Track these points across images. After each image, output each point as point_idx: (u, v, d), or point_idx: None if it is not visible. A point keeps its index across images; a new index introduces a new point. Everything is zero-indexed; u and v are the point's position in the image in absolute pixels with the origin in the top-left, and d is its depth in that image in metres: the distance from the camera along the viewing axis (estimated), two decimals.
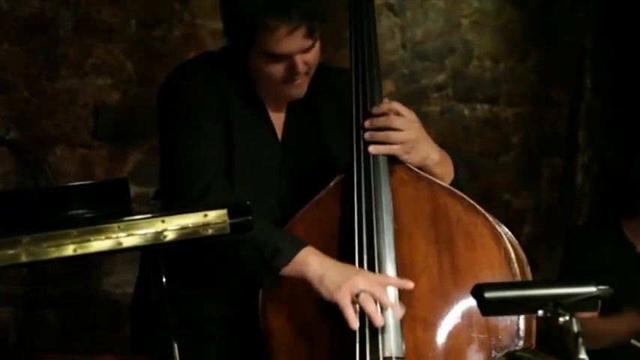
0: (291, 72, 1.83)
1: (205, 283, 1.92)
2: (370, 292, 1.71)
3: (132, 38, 2.98)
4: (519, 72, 3.63)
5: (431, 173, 1.88)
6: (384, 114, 1.84)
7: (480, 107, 3.59)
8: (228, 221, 1.46)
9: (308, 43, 1.80)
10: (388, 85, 3.39)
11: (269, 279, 1.78)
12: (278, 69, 1.83)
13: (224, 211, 1.46)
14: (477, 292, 1.37)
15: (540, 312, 1.34)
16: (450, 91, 3.54)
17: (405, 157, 1.85)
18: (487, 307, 1.38)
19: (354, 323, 1.71)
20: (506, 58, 3.61)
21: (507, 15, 3.60)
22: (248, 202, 1.49)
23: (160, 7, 3.02)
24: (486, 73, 3.58)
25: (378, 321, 1.71)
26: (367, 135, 1.83)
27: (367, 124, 1.83)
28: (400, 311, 1.73)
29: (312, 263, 1.74)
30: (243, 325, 1.88)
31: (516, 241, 1.86)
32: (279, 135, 1.94)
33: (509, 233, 1.86)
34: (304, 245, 1.76)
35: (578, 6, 3.70)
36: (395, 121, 1.82)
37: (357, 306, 1.73)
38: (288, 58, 1.81)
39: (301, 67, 1.82)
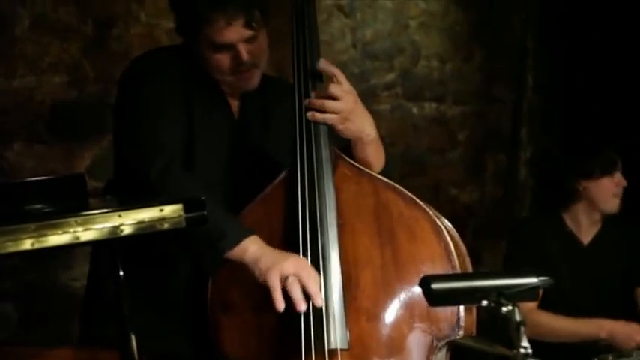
0: (237, 61, 1.90)
1: (156, 266, 1.96)
2: (298, 276, 1.75)
3: (88, 37, 2.98)
4: (465, 71, 3.72)
5: (364, 151, 1.90)
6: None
7: (428, 105, 3.67)
8: (184, 216, 1.49)
9: (248, 33, 1.88)
10: None
11: (212, 260, 1.81)
12: (224, 59, 1.90)
13: (179, 206, 1.50)
14: (425, 283, 1.41)
15: (484, 302, 1.38)
16: (399, 90, 3.61)
17: (340, 128, 1.86)
18: (434, 298, 1.42)
19: (280, 304, 1.73)
20: (452, 58, 3.70)
21: (453, 16, 3.69)
22: (203, 197, 1.52)
23: (115, 6, 3.02)
24: (434, 73, 3.66)
25: (301, 307, 1.74)
26: (305, 102, 1.87)
27: (313, 94, 1.86)
28: (321, 302, 1.75)
29: (249, 249, 1.77)
30: (193, 313, 1.92)
31: (457, 234, 1.90)
32: (236, 116, 2.02)
33: (450, 226, 1.90)
34: (250, 234, 1.80)
35: (519, 8, 3.79)
36: (332, 88, 1.85)
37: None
38: (231, 47, 1.89)
39: (245, 57, 1.89)
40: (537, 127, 3.85)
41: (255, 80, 1.96)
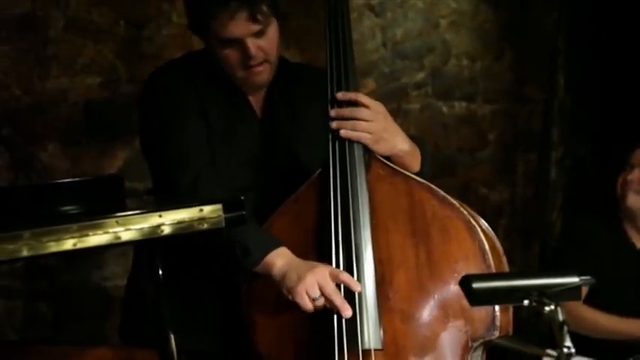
0: (245, 56, 1.89)
1: (190, 266, 1.97)
2: (322, 291, 1.75)
3: (121, 38, 3.01)
4: (495, 70, 3.70)
5: (399, 163, 1.91)
6: (350, 102, 1.88)
7: (458, 104, 3.66)
8: (223, 215, 1.52)
9: (255, 27, 1.87)
10: (370, 84, 3.44)
11: (241, 276, 1.85)
12: (232, 54, 1.90)
13: (219, 206, 1.52)
14: (465, 282, 1.39)
15: (526, 302, 1.36)
16: (429, 89, 3.60)
17: (374, 147, 1.87)
18: (475, 297, 1.39)
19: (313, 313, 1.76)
20: (482, 57, 3.69)
21: (483, 15, 3.67)
22: (242, 197, 1.55)
23: (147, 7, 3.05)
24: (464, 72, 3.65)
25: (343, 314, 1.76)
26: (334, 124, 1.87)
27: (333, 113, 1.88)
28: (349, 314, 1.76)
29: (277, 264, 1.78)
30: (231, 313, 1.93)
31: (492, 233, 1.89)
32: (259, 114, 2.01)
33: (486, 225, 1.89)
34: (274, 247, 1.80)
35: (551, 7, 3.76)
36: (361, 112, 1.87)
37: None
38: (239, 42, 1.88)
39: (254, 51, 1.88)
40: (568, 127, 3.83)
41: (267, 75, 1.95)
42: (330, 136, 1.89)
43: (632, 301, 2.85)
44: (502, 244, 1.92)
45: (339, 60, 1.92)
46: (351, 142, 1.88)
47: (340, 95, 1.89)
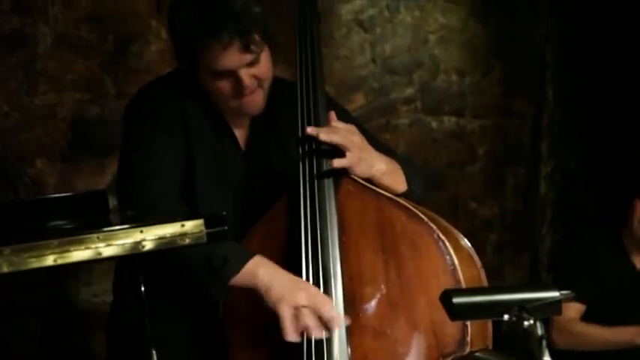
0: (239, 87, 1.85)
1: (170, 298, 1.95)
2: (312, 307, 1.75)
3: (109, 54, 3.01)
4: (484, 85, 3.73)
5: (380, 183, 1.91)
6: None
7: (447, 119, 3.68)
8: (205, 231, 1.51)
9: (247, 57, 1.83)
10: (359, 99, 3.46)
11: (217, 289, 1.81)
12: (225, 85, 1.86)
13: (201, 221, 1.51)
14: (445, 297, 1.40)
15: (506, 316, 1.37)
16: (418, 104, 3.61)
17: (355, 169, 1.87)
18: (455, 313, 1.40)
19: (290, 335, 1.73)
20: (471, 72, 3.71)
21: (472, 31, 3.70)
22: (224, 213, 1.53)
23: (136, 23, 3.05)
24: (453, 87, 3.67)
25: (319, 334, 1.75)
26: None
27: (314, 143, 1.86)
28: (339, 326, 1.76)
29: (261, 274, 1.76)
30: (208, 339, 1.93)
31: (468, 247, 1.88)
32: (242, 146, 1.99)
33: (464, 241, 1.88)
34: (253, 255, 1.79)
35: (539, 22, 3.80)
36: (338, 138, 1.85)
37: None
38: (232, 73, 1.84)
39: (247, 81, 1.85)
40: (557, 141, 3.85)
41: (260, 103, 1.92)
42: (300, 155, 1.88)
43: (633, 322, 2.81)
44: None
45: (309, 92, 1.90)
46: (321, 161, 1.88)
47: (310, 130, 1.87)
